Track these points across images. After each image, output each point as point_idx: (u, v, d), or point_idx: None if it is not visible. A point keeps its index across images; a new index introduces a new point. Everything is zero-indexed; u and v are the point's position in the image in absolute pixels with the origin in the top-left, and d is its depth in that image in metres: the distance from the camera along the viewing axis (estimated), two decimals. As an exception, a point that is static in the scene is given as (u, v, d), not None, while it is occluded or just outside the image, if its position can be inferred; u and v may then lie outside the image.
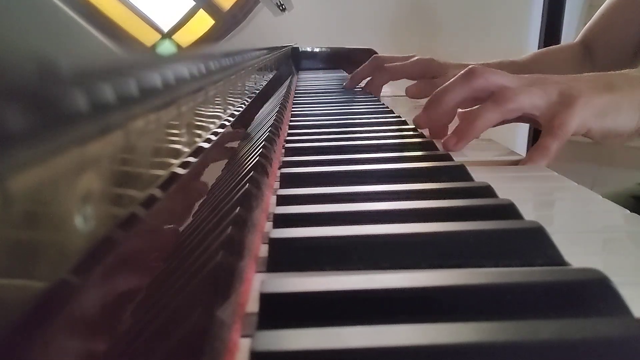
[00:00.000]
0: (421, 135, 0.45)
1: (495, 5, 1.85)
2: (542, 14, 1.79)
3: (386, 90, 0.85)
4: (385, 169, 0.33)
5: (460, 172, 0.32)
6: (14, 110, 0.09)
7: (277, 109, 0.53)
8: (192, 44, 0.27)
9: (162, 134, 0.18)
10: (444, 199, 0.26)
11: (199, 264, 0.18)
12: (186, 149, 0.21)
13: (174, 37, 0.23)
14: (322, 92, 0.82)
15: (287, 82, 0.90)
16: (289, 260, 0.21)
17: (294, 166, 0.35)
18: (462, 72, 0.45)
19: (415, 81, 0.73)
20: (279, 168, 0.35)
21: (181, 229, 0.23)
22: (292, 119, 0.56)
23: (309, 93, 0.82)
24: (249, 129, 0.45)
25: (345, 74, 1.16)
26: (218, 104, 0.30)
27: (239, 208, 0.21)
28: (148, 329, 0.15)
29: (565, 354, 0.13)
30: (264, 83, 0.61)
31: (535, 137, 1.57)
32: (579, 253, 0.22)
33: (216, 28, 0.34)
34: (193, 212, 0.25)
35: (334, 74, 1.16)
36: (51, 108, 0.10)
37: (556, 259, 0.20)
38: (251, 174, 0.26)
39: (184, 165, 0.21)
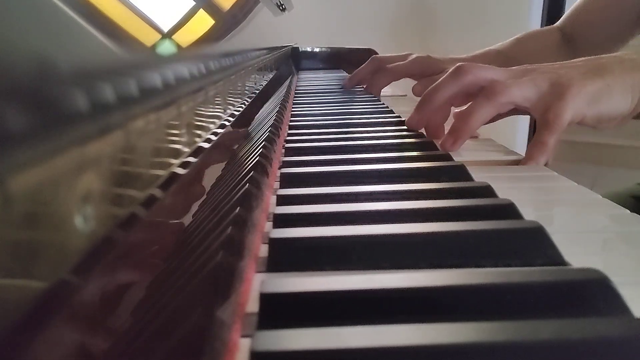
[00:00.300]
0: (421, 135, 0.45)
1: (496, 5, 1.85)
2: (542, 13, 1.79)
3: (386, 90, 0.85)
4: (385, 168, 0.33)
5: (460, 172, 0.32)
6: (14, 110, 0.09)
7: (277, 109, 0.53)
8: (192, 44, 0.27)
9: (162, 134, 0.18)
10: (444, 198, 0.26)
11: (199, 263, 0.18)
12: (186, 149, 0.21)
13: (174, 37, 0.23)
14: (322, 92, 0.82)
15: (287, 82, 0.90)
16: (289, 260, 0.21)
17: (294, 166, 0.35)
18: (450, 69, 0.45)
19: (417, 81, 0.73)
20: (279, 168, 0.35)
21: (181, 229, 0.23)
22: (292, 119, 0.56)
23: (309, 93, 0.82)
24: (249, 129, 0.45)
25: (345, 74, 1.16)
26: (218, 104, 0.30)
27: (239, 208, 0.21)
28: (148, 328, 0.15)
29: (565, 354, 0.13)
30: (264, 83, 0.61)
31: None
32: (579, 253, 0.22)
33: (216, 28, 0.34)
34: (193, 212, 0.25)
35: (334, 74, 1.16)
36: (51, 108, 0.10)
37: (556, 259, 0.20)
38: (251, 174, 0.26)
39: (184, 165, 0.21)
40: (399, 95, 0.87)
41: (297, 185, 0.30)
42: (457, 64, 0.45)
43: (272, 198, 0.29)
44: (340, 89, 0.86)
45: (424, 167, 0.33)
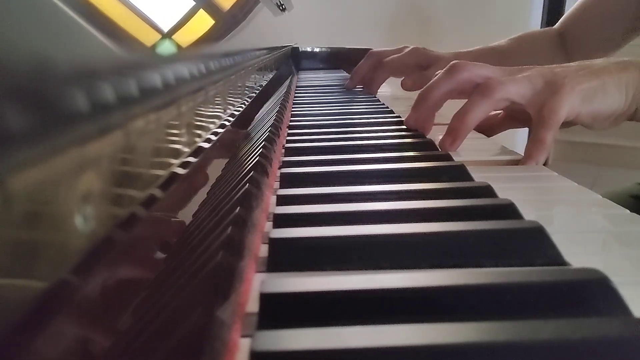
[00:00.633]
0: (421, 135, 0.45)
1: (496, 6, 1.85)
2: (542, 12, 1.79)
3: (386, 89, 0.85)
4: (385, 168, 0.33)
5: (460, 172, 0.32)
6: (14, 110, 0.09)
7: (277, 109, 0.53)
8: (192, 44, 0.27)
9: (162, 134, 0.18)
10: (444, 198, 0.26)
11: (199, 263, 0.18)
12: (186, 149, 0.21)
13: (174, 37, 0.23)
14: (322, 92, 0.82)
15: (287, 82, 0.90)
16: (289, 260, 0.21)
17: (294, 166, 0.35)
18: (445, 67, 0.46)
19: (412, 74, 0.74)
20: (279, 168, 0.35)
21: (181, 229, 0.23)
22: (292, 119, 0.56)
23: (309, 93, 0.82)
24: (249, 129, 0.45)
25: (345, 73, 1.16)
26: (218, 104, 0.30)
27: (239, 208, 0.21)
28: (148, 328, 0.15)
29: (565, 354, 0.13)
30: (264, 83, 0.61)
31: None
32: (579, 253, 0.22)
33: (216, 28, 0.34)
34: (193, 212, 0.25)
35: (333, 74, 1.16)
36: (51, 108, 0.10)
37: (556, 259, 0.20)
38: (251, 174, 0.26)
39: (184, 165, 0.21)
40: (398, 96, 0.87)
41: (297, 185, 0.30)
42: (452, 62, 0.45)
43: (272, 198, 0.29)
44: (340, 89, 0.86)
45: (424, 167, 0.33)
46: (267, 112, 0.54)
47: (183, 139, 0.21)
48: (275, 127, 0.43)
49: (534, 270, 0.18)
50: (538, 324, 0.14)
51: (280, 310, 0.16)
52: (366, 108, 0.64)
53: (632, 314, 0.16)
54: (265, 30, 0.66)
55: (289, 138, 0.45)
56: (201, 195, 0.28)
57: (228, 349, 0.15)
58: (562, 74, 0.41)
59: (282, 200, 0.27)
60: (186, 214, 0.25)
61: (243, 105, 0.41)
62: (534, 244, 0.21)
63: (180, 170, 0.20)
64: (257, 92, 0.52)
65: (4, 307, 0.09)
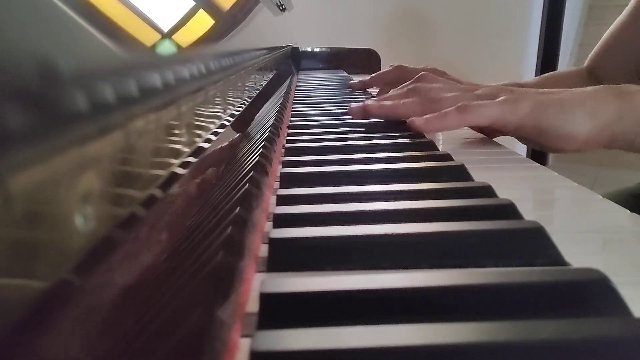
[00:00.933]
0: (421, 135, 0.45)
1: (495, 6, 1.86)
2: (542, 14, 1.79)
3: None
4: (385, 168, 0.33)
5: (461, 172, 0.32)
6: (14, 110, 0.09)
7: (277, 108, 0.53)
8: (192, 44, 0.27)
9: (162, 134, 0.18)
10: (444, 198, 0.26)
11: (199, 263, 0.18)
12: (186, 149, 0.21)
13: (174, 37, 0.23)
14: (322, 92, 0.82)
15: (287, 82, 0.90)
16: (289, 260, 0.21)
17: (294, 166, 0.35)
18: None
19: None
20: (279, 168, 0.35)
21: (181, 229, 0.23)
22: (292, 119, 0.56)
23: (309, 93, 0.82)
24: (249, 129, 0.45)
25: (345, 73, 1.16)
26: (218, 104, 0.30)
27: (239, 208, 0.21)
28: (148, 328, 0.15)
29: (565, 354, 0.13)
30: (264, 83, 0.61)
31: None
32: (579, 253, 0.22)
33: (216, 28, 0.34)
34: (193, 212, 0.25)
35: (333, 74, 1.16)
36: (51, 108, 0.10)
37: (556, 259, 0.20)
38: (251, 174, 0.26)
39: (184, 165, 0.21)
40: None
41: (297, 185, 0.30)
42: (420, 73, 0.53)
43: (272, 198, 0.29)
44: (340, 89, 0.86)
45: (424, 167, 0.33)
46: (267, 112, 0.54)
47: (183, 139, 0.21)
48: (275, 127, 0.43)
49: (534, 270, 0.18)
50: (538, 324, 0.14)
51: (280, 310, 0.16)
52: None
53: (632, 314, 0.16)
54: (265, 30, 0.66)
55: (289, 138, 0.45)
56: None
57: (228, 349, 0.15)
58: (524, 90, 0.42)
59: (282, 200, 0.27)
60: (186, 214, 0.25)
61: (243, 105, 0.41)
62: (534, 244, 0.21)
63: (180, 170, 0.20)
64: (257, 92, 0.52)
65: (4, 307, 0.09)
